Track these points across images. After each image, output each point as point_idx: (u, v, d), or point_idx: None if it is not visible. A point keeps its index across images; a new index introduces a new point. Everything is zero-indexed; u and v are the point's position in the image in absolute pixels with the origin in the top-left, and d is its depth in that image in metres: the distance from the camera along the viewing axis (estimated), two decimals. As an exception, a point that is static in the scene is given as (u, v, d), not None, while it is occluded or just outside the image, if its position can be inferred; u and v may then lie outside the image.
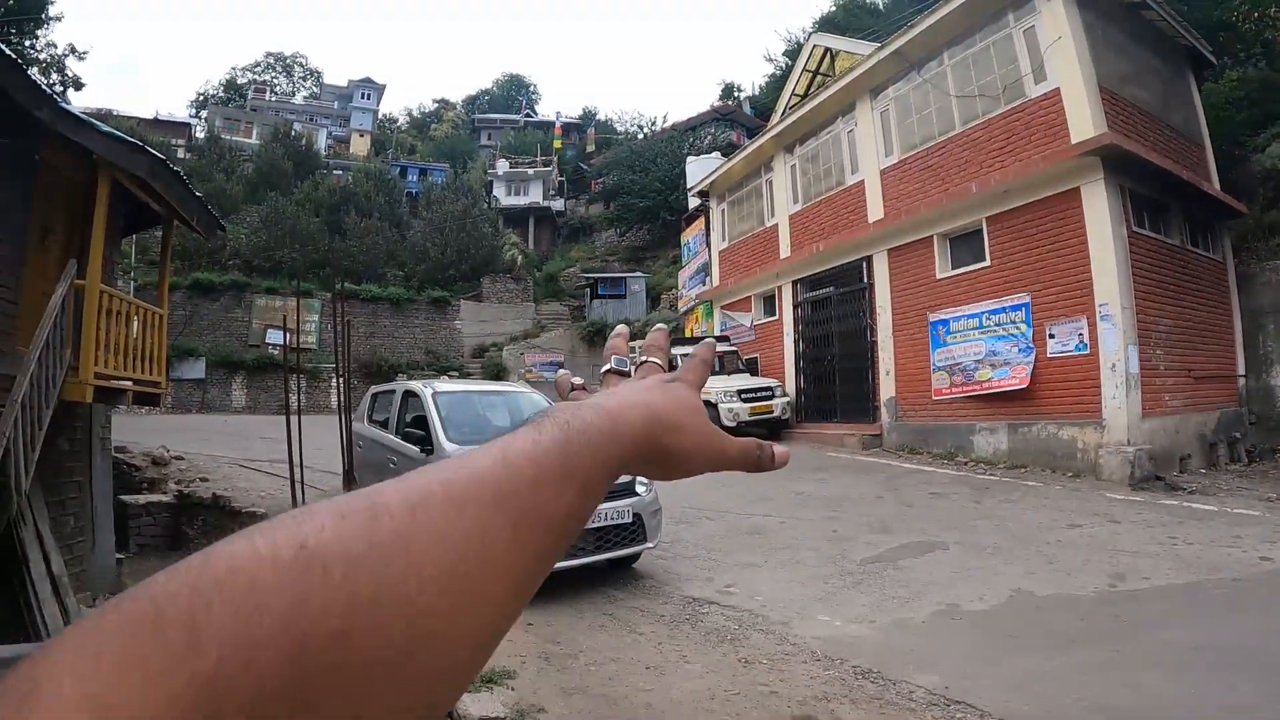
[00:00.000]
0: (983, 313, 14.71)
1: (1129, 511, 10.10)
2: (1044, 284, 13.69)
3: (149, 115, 53.49)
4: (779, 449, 0.79)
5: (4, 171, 8.60)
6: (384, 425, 9.94)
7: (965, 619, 6.69)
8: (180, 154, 46.35)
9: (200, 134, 56.35)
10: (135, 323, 9.60)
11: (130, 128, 32.99)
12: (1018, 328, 13.99)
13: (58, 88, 28.69)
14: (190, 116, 65.14)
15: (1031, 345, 13.76)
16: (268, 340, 33.31)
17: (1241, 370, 16.02)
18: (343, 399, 5.80)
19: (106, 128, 8.54)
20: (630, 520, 7.86)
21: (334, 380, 31.44)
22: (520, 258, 46.20)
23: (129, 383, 9.36)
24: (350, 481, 10.69)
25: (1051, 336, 13.48)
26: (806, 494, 12.35)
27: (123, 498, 11.40)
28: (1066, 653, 5.83)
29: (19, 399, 6.95)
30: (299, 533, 0.40)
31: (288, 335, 20.91)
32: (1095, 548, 8.49)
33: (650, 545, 8.18)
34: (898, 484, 12.90)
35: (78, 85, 31.68)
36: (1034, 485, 12.19)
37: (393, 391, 10.19)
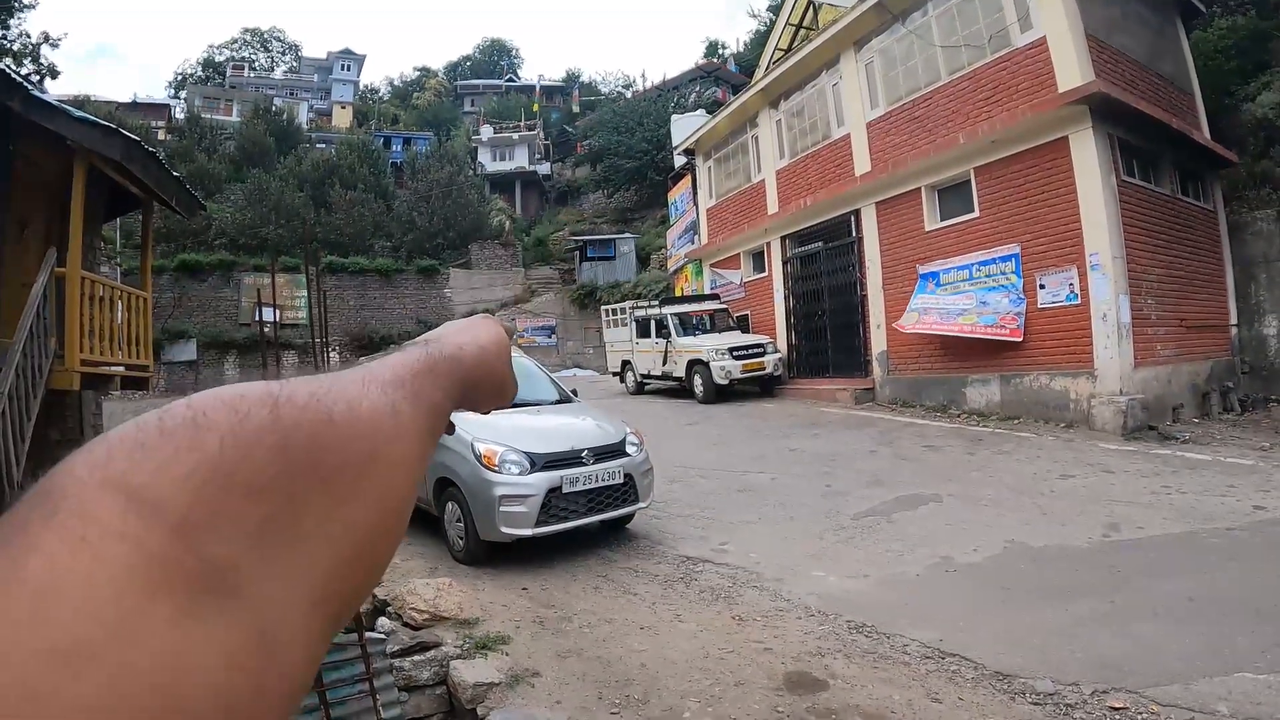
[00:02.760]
0: (973, 264, 14.63)
1: (1122, 461, 10.12)
2: (1034, 234, 13.60)
3: (127, 99, 53.11)
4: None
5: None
6: None
7: (960, 572, 6.72)
8: (160, 136, 46.04)
9: (180, 115, 55.87)
10: (120, 307, 9.55)
11: (108, 113, 32.72)
12: (1008, 278, 13.92)
13: (33, 77, 28.30)
14: (169, 98, 64.70)
15: (1022, 296, 13.70)
16: (258, 318, 33.33)
17: (1234, 320, 15.97)
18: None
19: (80, 113, 8.44)
20: (622, 481, 7.86)
21: (323, 354, 31.46)
22: (508, 223, 46.05)
23: (117, 368, 9.34)
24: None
25: (1042, 287, 13.42)
26: (800, 450, 12.37)
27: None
28: (1062, 604, 5.86)
29: (5, 391, 6.93)
30: (266, 381, 0.47)
31: (273, 311, 20.81)
32: (1089, 498, 8.52)
33: (643, 505, 8.18)
34: (891, 437, 12.92)
35: (53, 74, 31.27)
36: (1027, 436, 12.19)
37: None
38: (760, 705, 4.69)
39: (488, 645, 5.71)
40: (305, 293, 33.37)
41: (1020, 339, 13.66)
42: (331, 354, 33.06)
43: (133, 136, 8.94)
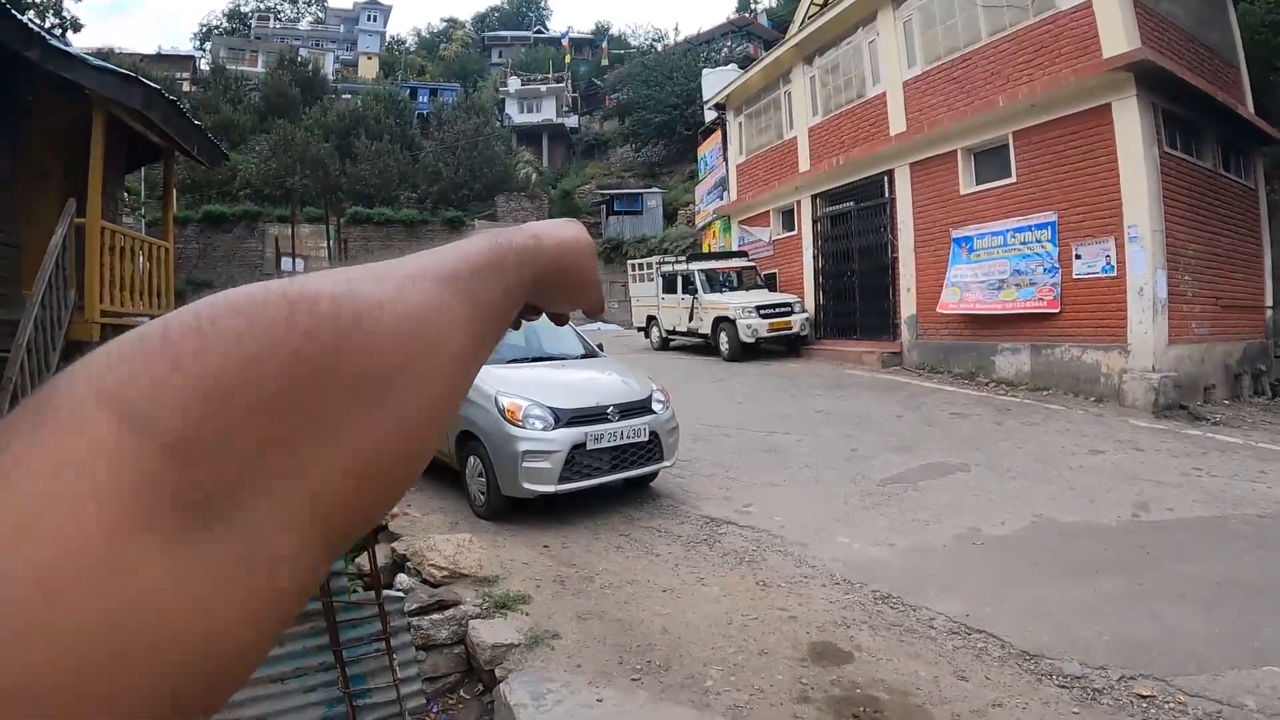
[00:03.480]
0: (1008, 230, 14.32)
1: (1153, 440, 9.91)
2: (1071, 203, 13.26)
3: (151, 51, 53.04)
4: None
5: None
6: None
7: (986, 544, 6.60)
8: (186, 87, 46.10)
9: (205, 66, 55.79)
10: (141, 258, 9.50)
11: (132, 64, 32.61)
12: (1043, 246, 13.61)
13: (56, 30, 28.19)
14: (194, 49, 64.56)
15: (1057, 265, 13.40)
16: (283, 268, 33.34)
17: (1269, 301, 15.63)
18: None
19: (98, 61, 8.39)
20: (647, 439, 7.75)
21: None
22: (535, 175, 45.89)
23: (139, 318, 9.24)
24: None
25: (1078, 257, 13.11)
26: (826, 411, 12.23)
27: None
28: (1090, 582, 5.73)
29: (23, 342, 6.94)
30: (284, 281, 0.42)
31: (293, 261, 20.82)
32: (1118, 475, 8.35)
33: (667, 464, 8.09)
34: (918, 403, 12.75)
35: (75, 27, 31.07)
36: (1056, 409, 11.97)
37: None
38: (784, 676, 4.61)
39: (507, 605, 5.67)
40: (330, 241, 33.39)
41: (1057, 310, 13.39)
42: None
43: (152, 85, 8.85)
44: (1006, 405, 12.35)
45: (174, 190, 11.43)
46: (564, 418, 7.38)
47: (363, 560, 6.33)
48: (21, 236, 9.02)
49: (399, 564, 6.40)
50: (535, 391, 7.57)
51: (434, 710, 5.23)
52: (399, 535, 6.97)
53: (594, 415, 7.55)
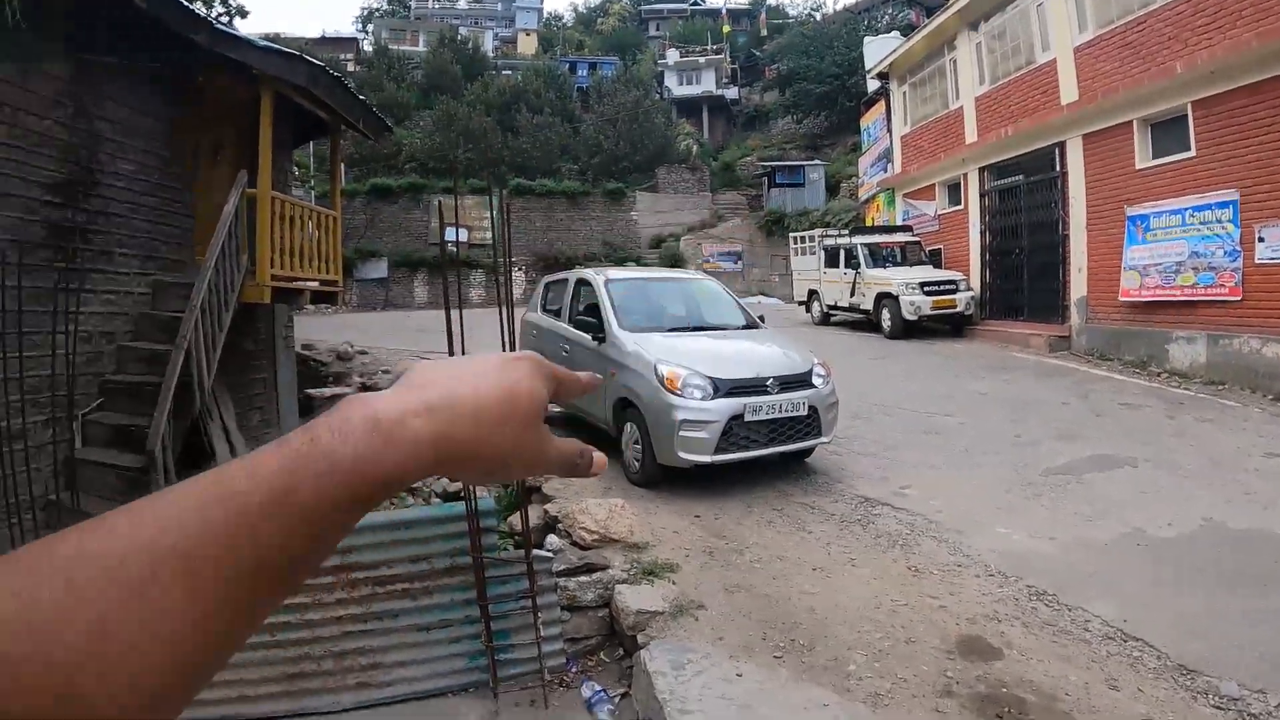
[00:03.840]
0: (1186, 209, 13.32)
1: (1340, 447, 9.09)
2: (1255, 180, 12.16)
3: (315, 35, 55.12)
4: (598, 457, 0.71)
5: (173, 95, 9.05)
6: (557, 314, 9.91)
7: (1150, 545, 6.21)
8: (350, 68, 47.76)
9: (368, 47, 57.66)
10: (310, 226, 9.92)
11: (298, 47, 34.04)
12: (1223, 227, 12.60)
13: (223, 17, 29.56)
14: (357, 32, 66.67)
15: (1238, 248, 12.36)
16: (448, 238, 34.45)
17: None
18: (504, 291, 5.91)
19: (263, 43, 8.82)
20: (806, 413, 7.61)
21: (511, 273, 32.25)
22: (695, 147, 45.77)
23: (308, 283, 9.71)
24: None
25: (1261, 240, 11.99)
26: (988, 395, 11.81)
27: (309, 391, 11.99)
28: (1257, 596, 5.31)
29: (198, 304, 7.38)
30: None
31: (456, 230, 21.43)
32: (1297, 483, 7.70)
33: (825, 440, 7.95)
34: (1086, 390, 12.13)
35: (242, 13, 32.50)
36: (1232, 405, 11.09)
37: (565, 280, 10.11)
38: (929, 668, 4.49)
39: (655, 572, 5.70)
40: (491, 213, 34.09)
41: (1239, 298, 12.37)
42: (517, 273, 33.74)
43: (316, 62, 9.24)
44: (1179, 398, 11.55)
45: (340, 162, 11.84)
46: (723, 388, 7.33)
47: (514, 519, 6.48)
48: (196, 207, 9.55)
49: (549, 525, 6.51)
50: (695, 361, 7.54)
51: (573, 670, 5.32)
52: (551, 497, 7.09)
53: (753, 387, 7.47)
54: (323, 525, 0.49)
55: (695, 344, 8.05)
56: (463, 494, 5.48)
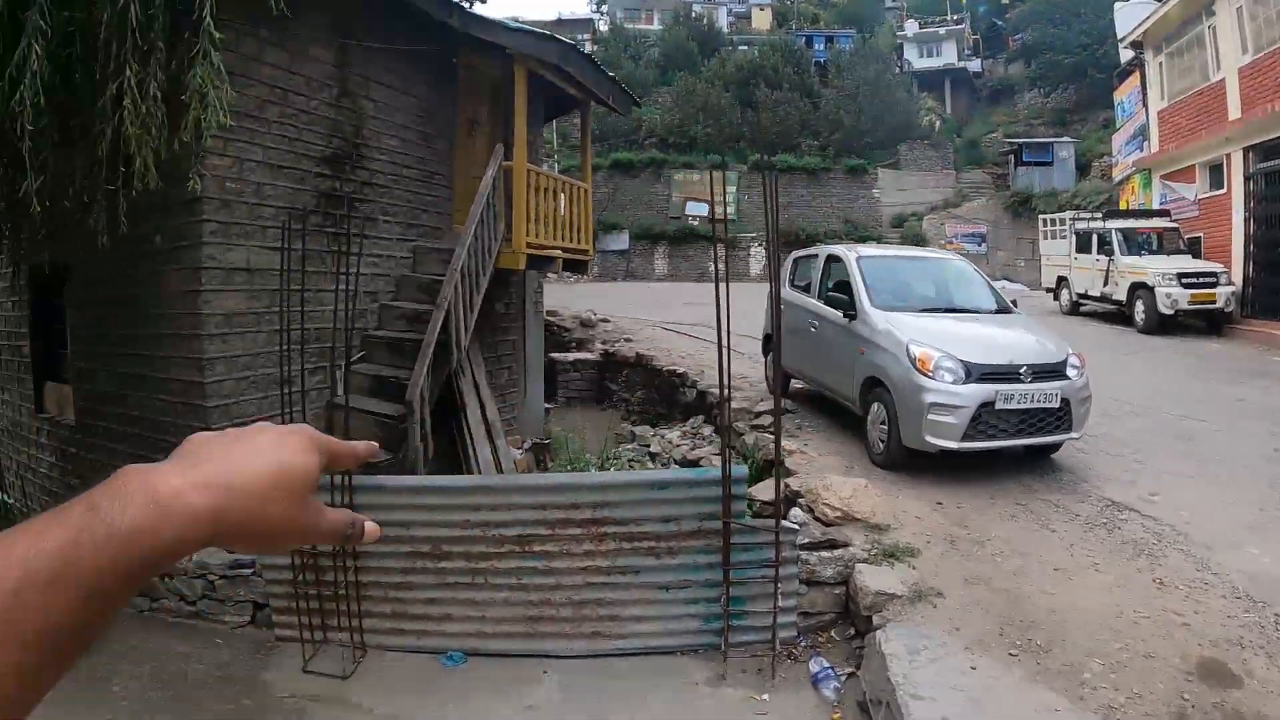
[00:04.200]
0: None
1: None
2: None
3: (552, 17, 56.60)
4: (370, 527, 0.73)
5: (431, 75, 9.64)
6: (806, 290, 9.78)
7: None
8: (587, 48, 48.69)
9: (604, 28, 58.75)
10: (562, 198, 10.30)
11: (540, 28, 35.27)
12: None
13: (465, 2, 31.05)
14: (592, 13, 67.86)
15: None
16: (687, 212, 34.67)
17: None
18: (773, 267, 6.00)
19: (514, 23, 9.30)
20: (1057, 405, 7.23)
21: (750, 249, 32.21)
22: (938, 123, 44.24)
23: (558, 252, 10.13)
24: (774, 345, 10.84)
25: None
26: (1247, 401, 10.69)
27: (553, 355, 12.54)
28: None
29: (458, 268, 7.92)
30: None
31: (698, 206, 21.73)
32: None
33: (1074, 435, 7.51)
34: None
35: (482, -1, 34.06)
36: None
37: (815, 256, 9.97)
38: (1165, 687, 4.30)
39: (896, 555, 5.66)
40: (733, 189, 34.18)
41: None
42: (757, 249, 34.01)
43: (567, 41, 9.64)
44: None
45: (590, 137, 12.23)
46: (975, 373, 7.09)
47: (756, 490, 6.53)
48: (453, 179, 10.15)
49: (790, 500, 6.52)
50: (947, 343, 7.32)
51: (801, 644, 5.40)
52: (794, 472, 7.11)
53: (1005, 374, 7.19)
54: (104, 593, 0.51)
55: (947, 326, 7.82)
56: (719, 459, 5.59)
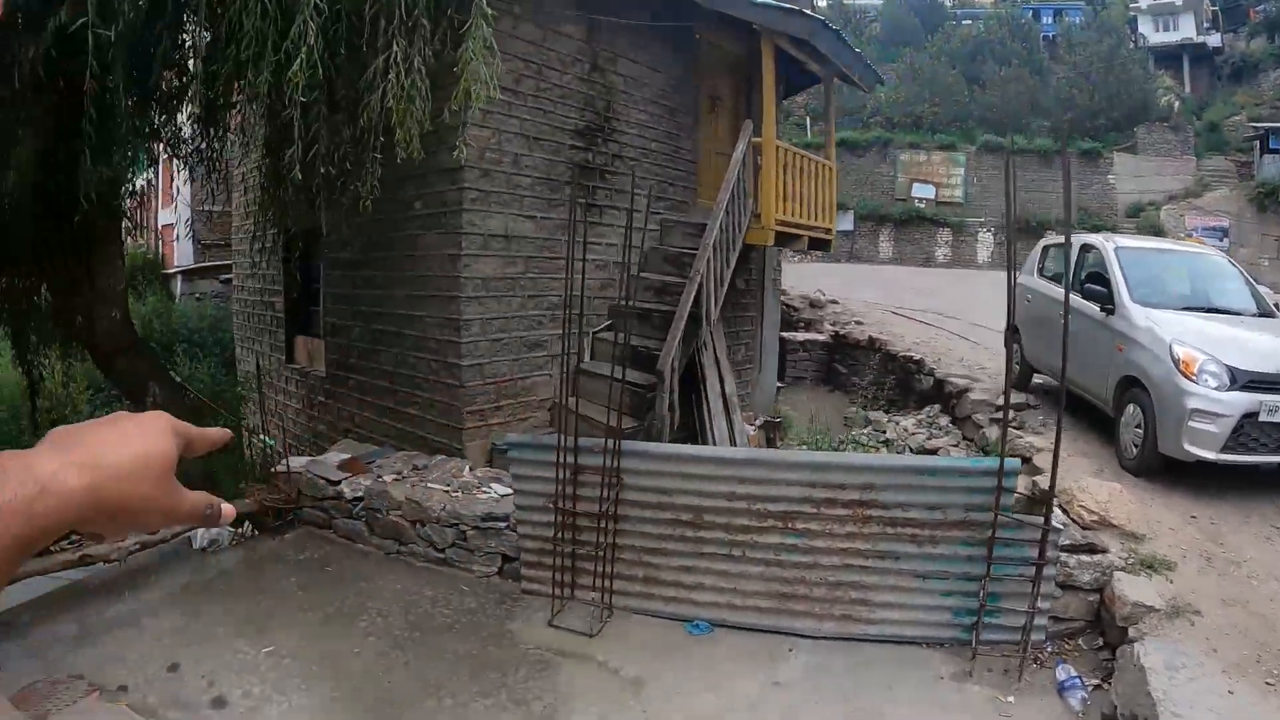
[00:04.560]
0: None
1: None
2: None
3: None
4: (227, 508, 0.80)
5: (673, 51, 9.73)
6: (1057, 280, 9.22)
7: None
8: (806, 24, 48.10)
9: (822, 2, 57.60)
10: (808, 175, 10.19)
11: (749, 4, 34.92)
12: None
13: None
14: (808, -11, 66.67)
15: None
16: (913, 194, 33.73)
17: None
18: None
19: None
20: None
21: (978, 234, 31.14)
22: (1176, 104, 41.21)
23: (805, 230, 10.05)
24: (1013, 335, 10.45)
25: None
26: None
27: (782, 334, 12.44)
28: None
29: (710, 242, 7.99)
30: None
31: (926, 188, 21.08)
32: None
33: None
34: None
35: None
36: None
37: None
38: None
39: (1153, 566, 5.40)
40: (960, 170, 33.06)
41: None
42: (985, 234, 32.88)
43: (814, 15, 9.51)
44: None
45: (834, 113, 12.08)
46: (1240, 380, 6.53)
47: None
48: (698, 154, 10.24)
49: (1041, 499, 6.28)
50: (1211, 345, 6.78)
51: (1048, 649, 5.21)
52: (1041, 470, 6.89)
53: (1271, 383, 6.57)
54: None
55: (1209, 327, 7.24)
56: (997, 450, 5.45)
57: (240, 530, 7.17)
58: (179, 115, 7.85)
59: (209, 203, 17.02)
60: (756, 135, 9.06)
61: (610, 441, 5.40)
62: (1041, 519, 5.04)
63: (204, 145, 8.19)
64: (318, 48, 5.39)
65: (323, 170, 6.07)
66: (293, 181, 7.52)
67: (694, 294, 7.86)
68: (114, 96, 5.62)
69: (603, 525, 5.52)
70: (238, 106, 7.35)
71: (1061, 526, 5.45)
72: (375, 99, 5.91)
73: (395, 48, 5.64)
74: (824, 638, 5.36)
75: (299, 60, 5.37)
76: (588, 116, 8.65)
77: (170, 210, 21.61)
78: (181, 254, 21.30)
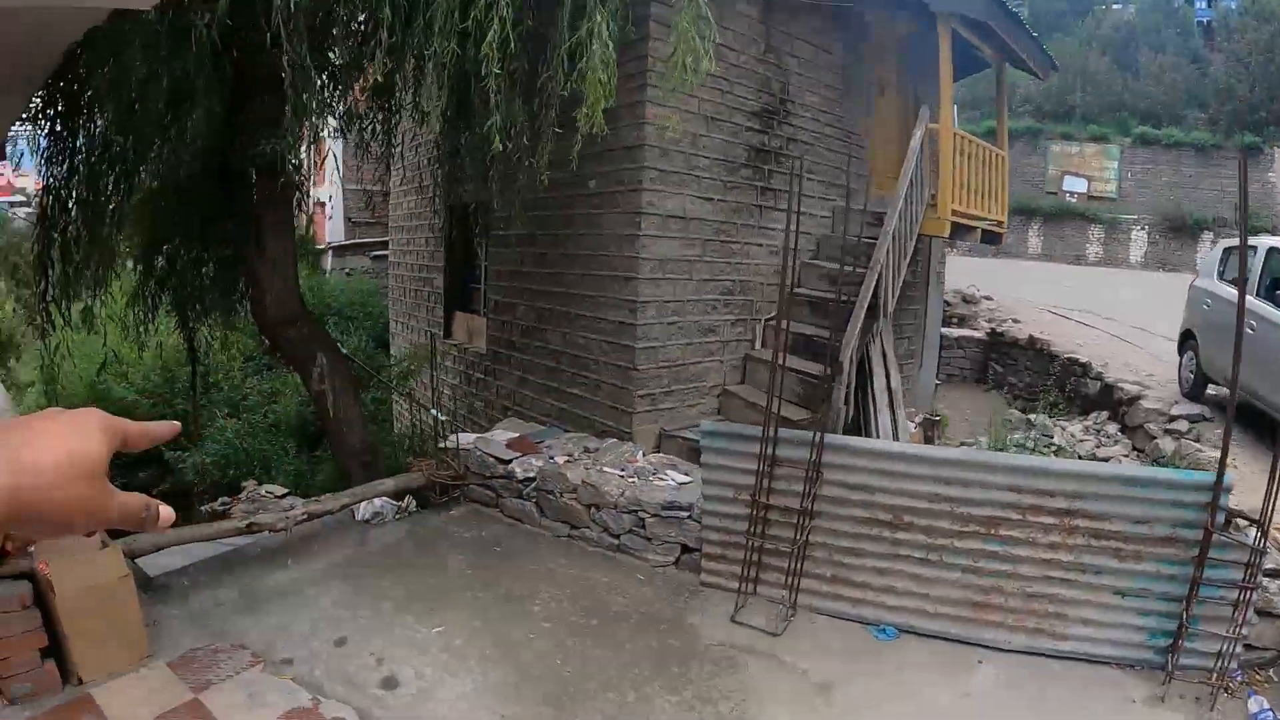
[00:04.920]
0: None
1: None
2: None
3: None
4: (165, 511, 0.76)
5: (844, 34, 9.42)
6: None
7: None
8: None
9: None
10: (982, 163, 9.80)
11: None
12: None
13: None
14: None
15: None
16: (1064, 187, 32.45)
17: None
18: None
19: None
20: None
21: (1131, 232, 29.84)
22: (1342, 95, 38.75)
23: (976, 221, 9.68)
24: (1187, 342, 9.93)
25: None
26: None
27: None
28: None
29: (890, 230, 7.74)
30: None
31: (1077, 181, 20.28)
32: None
33: None
34: None
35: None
36: None
37: (1251, 249, 8.97)
38: None
39: None
40: (1114, 164, 31.68)
41: None
42: (1139, 232, 31.47)
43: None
44: None
45: (1005, 99, 11.59)
46: None
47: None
48: (869, 140, 9.96)
49: (1229, 519, 5.92)
50: None
51: (1238, 678, 4.90)
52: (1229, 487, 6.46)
53: None
54: None
55: None
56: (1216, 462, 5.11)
57: (403, 504, 7.20)
58: (354, 88, 7.90)
59: (364, 181, 17.30)
60: (933, 121, 8.74)
61: (815, 434, 5.21)
62: (1251, 539, 4.69)
63: (381, 118, 8.24)
64: (509, 19, 5.36)
65: (500, 144, 5.98)
66: (468, 155, 7.56)
67: (873, 285, 7.63)
68: (296, 64, 5.63)
69: (801, 521, 5.33)
70: (417, 79, 7.37)
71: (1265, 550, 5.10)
72: (558, 72, 5.89)
73: (598, 17, 5.55)
74: (1012, 650, 5.12)
75: (491, 32, 5.35)
76: (763, 98, 8.44)
77: (322, 188, 22.22)
78: (332, 231, 21.86)
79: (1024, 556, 5.05)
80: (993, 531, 5.06)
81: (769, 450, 5.35)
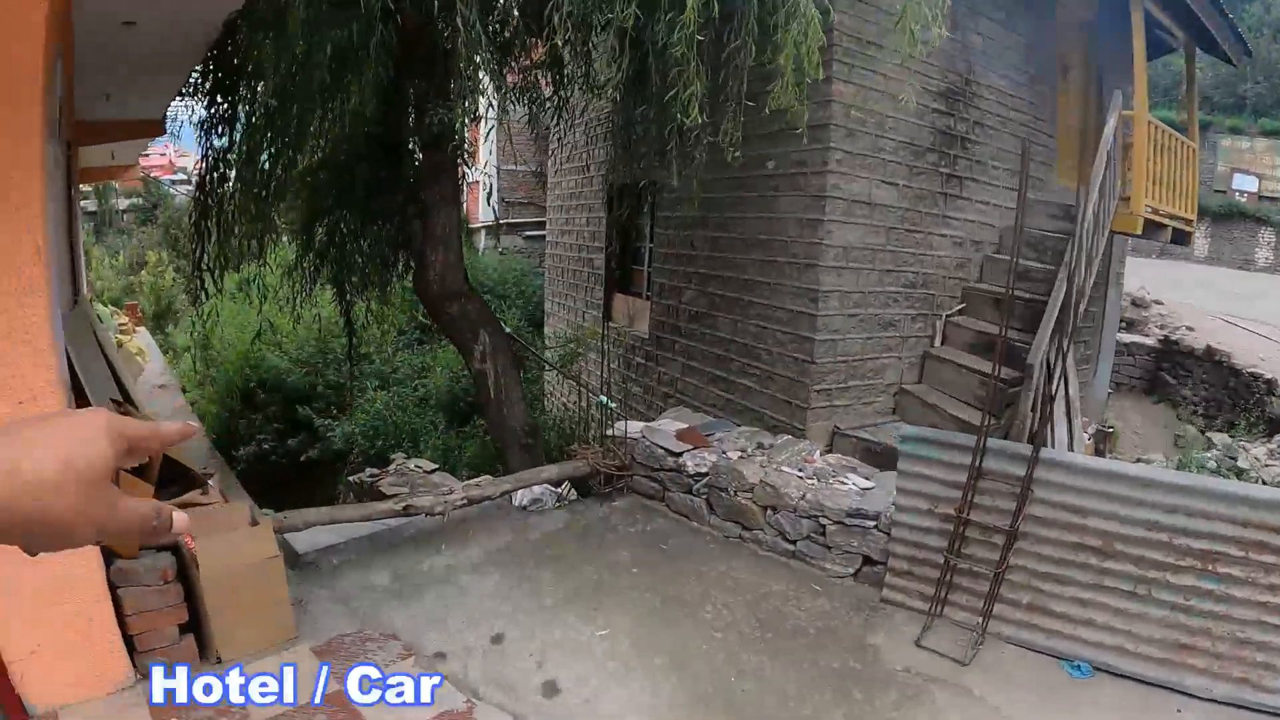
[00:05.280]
0: None
1: None
2: None
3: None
4: (179, 516, 0.72)
5: (1027, 9, 8.85)
6: None
7: None
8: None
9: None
10: (1174, 156, 9.14)
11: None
12: None
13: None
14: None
15: None
16: (1233, 186, 30.57)
17: None
18: None
19: None
20: None
21: None
22: None
23: (1168, 219, 9.01)
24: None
25: None
26: None
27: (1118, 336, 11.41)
28: None
29: (1085, 226, 7.10)
30: None
31: (1247, 179, 19.12)
32: None
33: None
34: None
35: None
36: None
37: None
38: None
39: None
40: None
41: None
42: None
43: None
44: None
45: (1195, 88, 10.84)
46: None
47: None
48: (1055, 126, 9.35)
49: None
50: None
51: None
52: None
53: None
54: None
55: None
56: None
57: (562, 492, 7.01)
58: (525, 58, 7.70)
59: (518, 160, 17.29)
60: (1126, 108, 8.05)
61: (1032, 448, 4.78)
62: None
63: (555, 93, 8.01)
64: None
65: (695, 117, 5.68)
66: (643, 130, 7.28)
67: (1065, 284, 7.04)
68: (467, 29, 5.46)
69: (1008, 541, 4.91)
70: (589, 50, 7.10)
71: None
72: (748, 40, 5.62)
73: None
74: (1213, 700, 4.59)
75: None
76: (949, 78, 7.93)
77: (477, 167, 22.45)
78: (485, 210, 22.06)
79: (1240, 597, 4.50)
80: (1209, 567, 4.54)
81: (975, 461, 4.94)
